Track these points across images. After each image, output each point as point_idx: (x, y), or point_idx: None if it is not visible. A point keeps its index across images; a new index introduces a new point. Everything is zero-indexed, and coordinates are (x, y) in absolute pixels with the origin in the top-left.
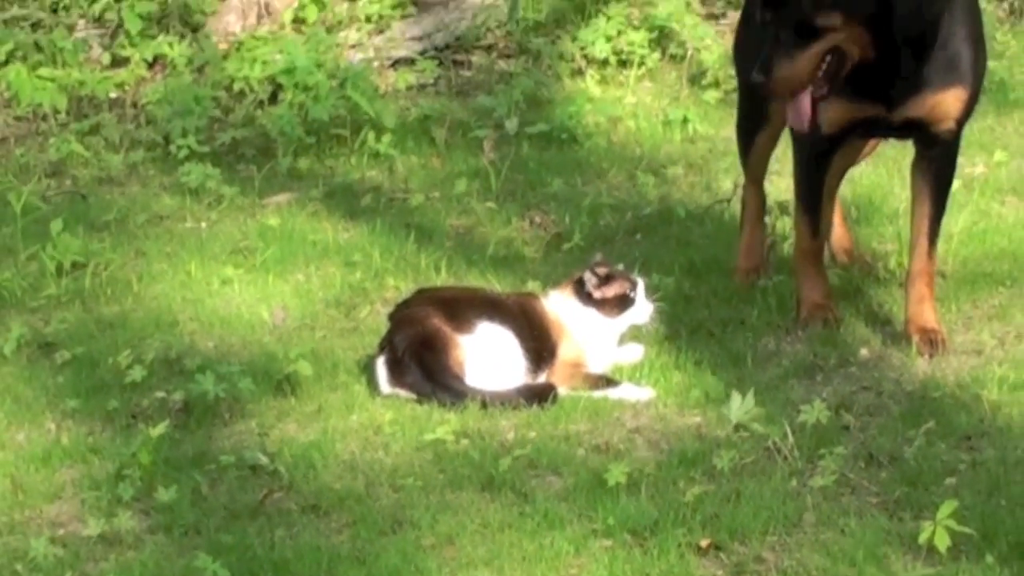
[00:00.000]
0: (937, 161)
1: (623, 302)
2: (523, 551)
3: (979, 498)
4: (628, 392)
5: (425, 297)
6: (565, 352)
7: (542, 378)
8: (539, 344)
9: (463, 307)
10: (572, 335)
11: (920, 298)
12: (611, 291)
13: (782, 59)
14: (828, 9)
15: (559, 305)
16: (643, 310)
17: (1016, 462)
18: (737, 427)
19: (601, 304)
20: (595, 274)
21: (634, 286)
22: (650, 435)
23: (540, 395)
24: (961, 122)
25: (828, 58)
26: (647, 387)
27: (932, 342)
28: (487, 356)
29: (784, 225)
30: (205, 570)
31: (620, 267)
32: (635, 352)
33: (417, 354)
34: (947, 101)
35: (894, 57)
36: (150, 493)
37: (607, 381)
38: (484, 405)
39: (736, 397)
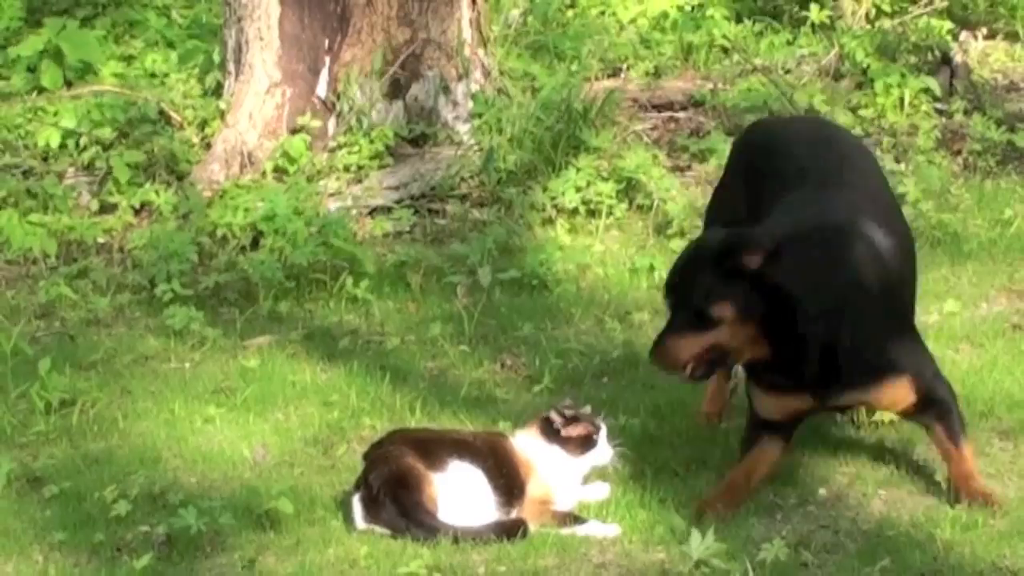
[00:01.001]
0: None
1: (586, 442)
2: None
3: None
4: (595, 529)
5: (398, 437)
6: (533, 490)
7: (513, 514)
8: (508, 481)
9: (435, 446)
10: (539, 473)
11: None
12: (575, 431)
13: (670, 336)
14: (720, 303)
15: (526, 444)
16: (605, 452)
17: None
18: (699, 563)
19: (566, 442)
20: (561, 414)
21: (598, 429)
22: (616, 570)
23: (511, 530)
24: (924, 394)
25: (713, 348)
26: (613, 524)
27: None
28: (459, 493)
29: None
30: None
31: (587, 409)
32: (601, 490)
33: (392, 491)
34: (885, 394)
35: (802, 355)
36: None
37: (574, 518)
38: (456, 540)
39: (698, 535)
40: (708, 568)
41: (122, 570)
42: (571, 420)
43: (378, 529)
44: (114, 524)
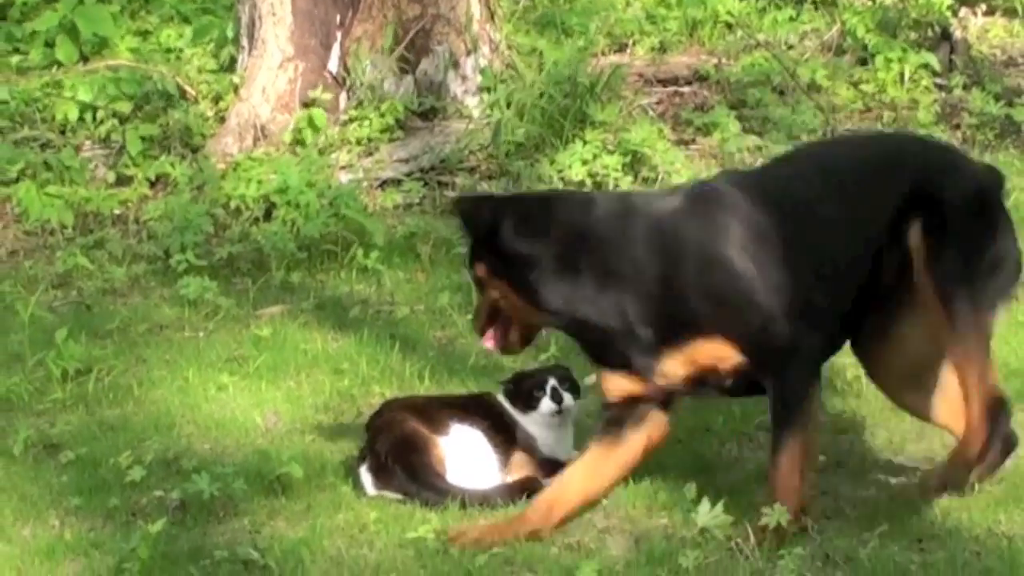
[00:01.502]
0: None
1: (529, 399)
2: None
3: None
4: None
5: (396, 404)
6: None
7: (511, 473)
8: (505, 439)
9: (434, 411)
10: (519, 427)
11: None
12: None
13: (476, 306)
14: (477, 262)
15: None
16: (547, 405)
17: (964, 564)
18: (702, 529)
19: (514, 400)
20: (505, 383)
21: (541, 385)
22: (620, 535)
23: (522, 490)
24: (763, 357)
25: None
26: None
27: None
28: (464, 455)
29: None
30: None
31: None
32: None
33: (399, 456)
34: (700, 353)
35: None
36: None
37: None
38: (464, 504)
39: (703, 501)
40: (711, 534)
41: (137, 534)
42: (514, 380)
43: (389, 494)
44: (129, 489)
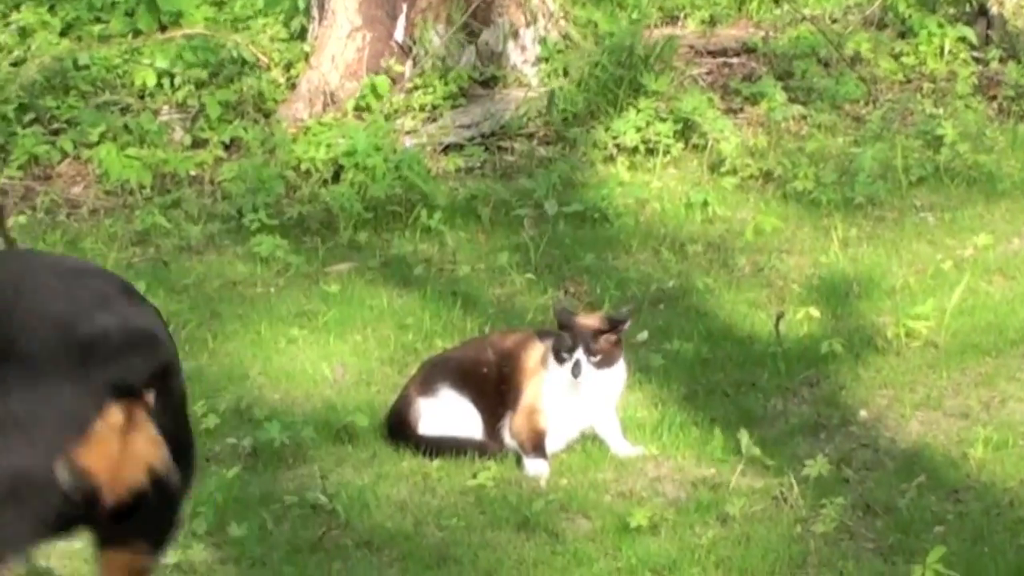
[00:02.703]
0: None
1: (558, 356)
2: None
3: (965, 545)
4: (622, 448)
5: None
6: (526, 396)
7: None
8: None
9: (436, 372)
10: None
11: None
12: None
13: None
14: None
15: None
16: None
17: (998, 514)
18: (749, 477)
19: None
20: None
21: (572, 350)
22: (670, 483)
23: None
24: None
25: None
26: (639, 446)
27: None
28: (443, 418)
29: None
30: None
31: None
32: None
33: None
34: None
35: None
36: (222, 528)
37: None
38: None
39: (749, 451)
40: (757, 482)
41: (212, 479)
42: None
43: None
44: (204, 436)
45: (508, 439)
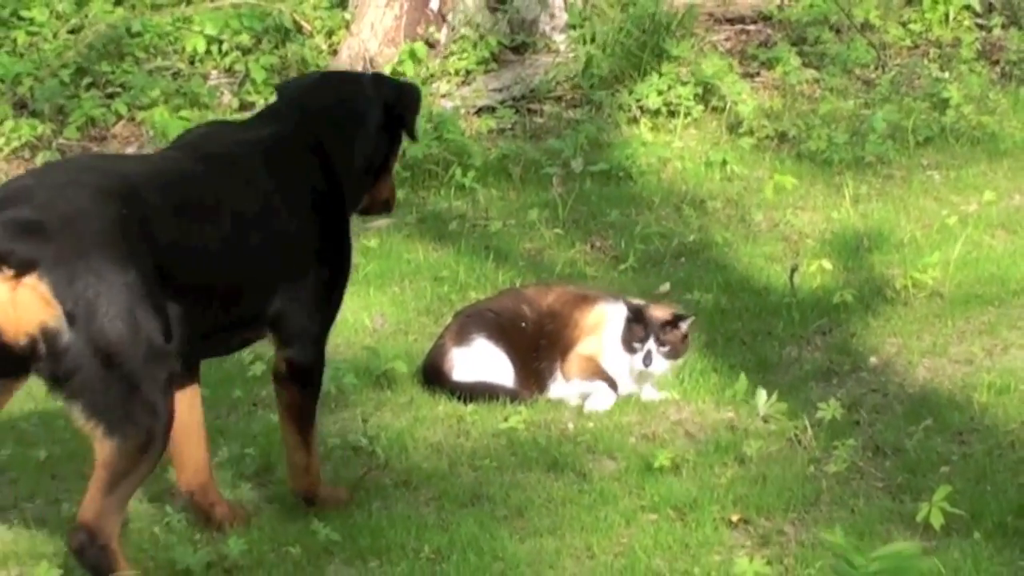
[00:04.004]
0: None
1: (629, 346)
2: (582, 522)
3: (969, 484)
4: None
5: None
6: (583, 346)
7: (549, 377)
8: (539, 351)
9: (471, 323)
10: (598, 339)
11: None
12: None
13: None
14: None
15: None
16: (636, 361)
17: (1000, 455)
18: (765, 420)
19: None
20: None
21: (643, 340)
22: (690, 427)
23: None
24: None
25: None
26: (664, 392)
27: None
28: (476, 366)
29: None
30: (318, 533)
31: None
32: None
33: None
34: None
35: None
36: (268, 469)
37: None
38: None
39: (765, 396)
40: (772, 425)
41: (259, 423)
42: (635, 311)
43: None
44: (251, 382)
45: (559, 384)
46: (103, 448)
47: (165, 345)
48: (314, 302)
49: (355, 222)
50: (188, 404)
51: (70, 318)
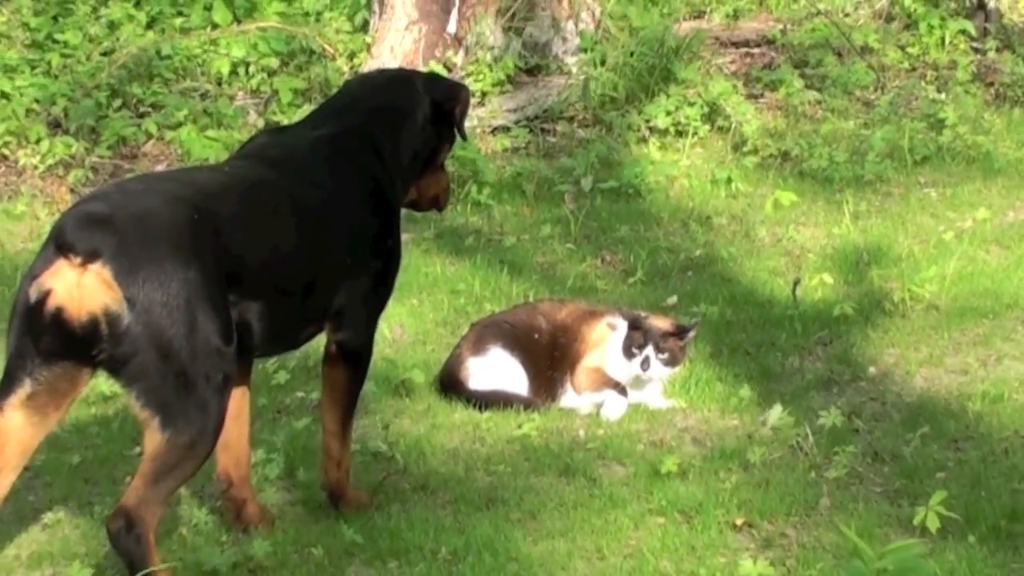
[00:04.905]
0: None
1: (628, 353)
2: (592, 525)
3: (964, 490)
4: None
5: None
6: (589, 359)
7: (560, 387)
8: (552, 362)
9: (487, 333)
10: (602, 351)
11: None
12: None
13: None
14: None
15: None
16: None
17: (994, 461)
18: (769, 428)
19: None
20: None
21: (642, 347)
22: (696, 434)
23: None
24: None
25: None
26: (672, 400)
27: None
28: (492, 376)
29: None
30: (340, 535)
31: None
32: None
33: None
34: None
35: None
36: (292, 474)
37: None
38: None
39: (769, 405)
40: (776, 432)
41: (284, 429)
42: (633, 321)
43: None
44: (275, 391)
45: (569, 395)
46: (153, 439)
47: (223, 347)
48: (369, 291)
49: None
50: (239, 397)
51: (130, 303)
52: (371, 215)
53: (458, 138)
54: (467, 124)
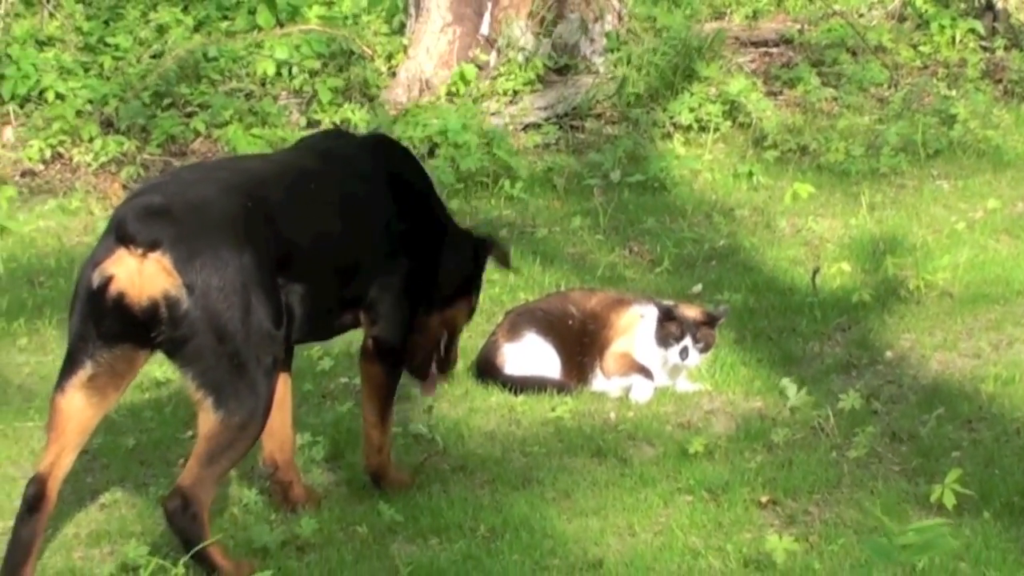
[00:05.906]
0: None
1: (664, 341)
2: (623, 503)
3: (978, 468)
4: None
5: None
6: (617, 345)
7: (591, 371)
8: (582, 348)
9: (521, 321)
10: (630, 337)
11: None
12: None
13: None
14: None
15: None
16: (671, 355)
17: (1007, 440)
18: (792, 410)
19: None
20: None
21: (680, 338)
22: (722, 415)
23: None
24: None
25: None
26: (699, 384)
27: None
28: (526, 361)
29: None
30: (383, 513)
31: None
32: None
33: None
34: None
35: None
36: (337, 456)
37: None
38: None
39: (791, 387)
40: (798, 414)
41: (328, 413)
42: (665, 311)
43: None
44: (320, 376)
45: (599, 379)
46: (207, 420)
47: (274, 330)
48: (403, 288)
49: None
50: (281, 384)
51: (189, 288)
52: (407, 214)
53: None
54: (500, 122)
